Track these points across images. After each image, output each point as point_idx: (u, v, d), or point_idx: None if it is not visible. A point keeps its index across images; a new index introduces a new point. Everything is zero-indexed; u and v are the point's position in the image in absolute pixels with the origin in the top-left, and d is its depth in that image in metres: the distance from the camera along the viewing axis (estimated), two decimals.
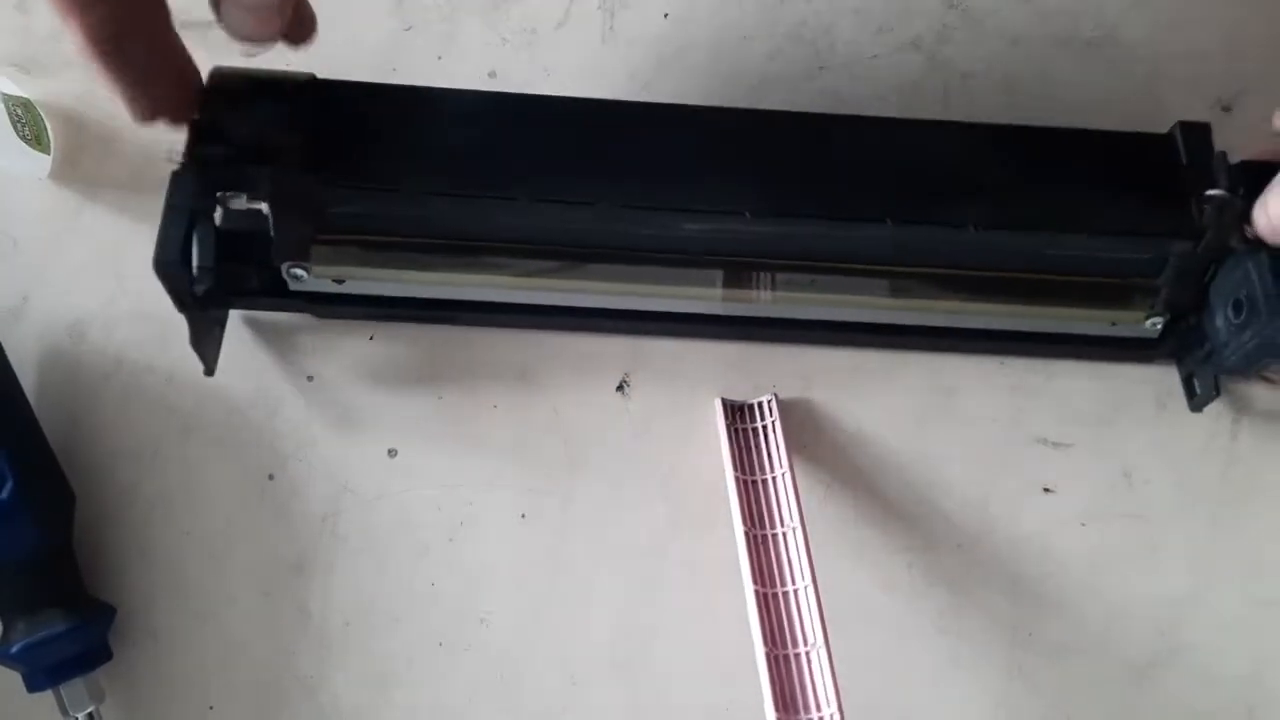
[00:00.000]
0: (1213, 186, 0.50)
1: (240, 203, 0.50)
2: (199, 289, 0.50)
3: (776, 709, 0.44)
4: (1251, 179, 0.50)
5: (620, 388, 0.56)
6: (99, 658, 0.50)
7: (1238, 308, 0.51)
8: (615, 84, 0.61)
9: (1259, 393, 0.57)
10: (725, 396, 0.55)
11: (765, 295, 0.54)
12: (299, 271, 0.53)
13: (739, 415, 0.55)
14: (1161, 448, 0.56)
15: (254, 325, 0.56)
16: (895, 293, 0.54)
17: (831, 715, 0.44)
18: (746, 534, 0.50)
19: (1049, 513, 0.55)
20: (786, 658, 0.46)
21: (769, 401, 0.55)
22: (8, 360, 0.52)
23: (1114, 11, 0.63)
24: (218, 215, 0.52)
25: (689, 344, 0.57)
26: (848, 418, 0.56)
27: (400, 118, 0.52)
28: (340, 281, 0.54)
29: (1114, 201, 0.52)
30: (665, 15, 0.63)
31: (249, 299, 0.55)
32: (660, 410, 0.56)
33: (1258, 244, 0.50)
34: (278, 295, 0.55)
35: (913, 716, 0.53)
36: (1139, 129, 0.53)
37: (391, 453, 0.55)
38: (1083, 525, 0.55)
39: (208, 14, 0.60)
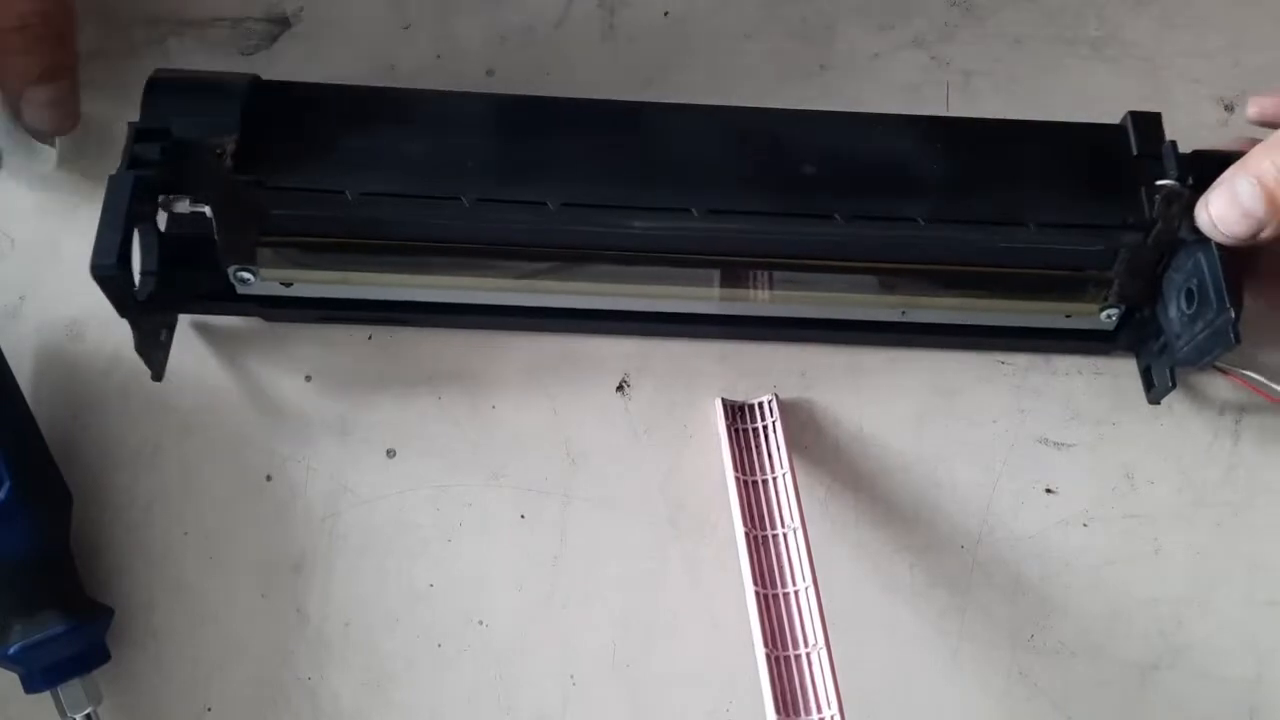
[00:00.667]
0: (1162, 177, 0.50)
1: (184, 206, 0.50)
2: (142, 294, 0.50)
3: (777, 710, 0.44)
4: (1203, 169, 0.49)
5: (620, 388, 0.56)
6: (97, 659, 0.50)
7: (1189, 298, 0.51)
8: (615, 83, 0.61)
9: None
10: (725, 397, 0.55)
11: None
12: (245, 275, 0.53)
13: (739, 415, 0.55)
14: (1164, 448, 0.56)
15: (251, 325, 0.56)
16: (849, 288, 0.55)
17: (832, 717, 0.44)
18: (747, 535, 0.50)
19: (1051, 513, 0.55)
20: (787, 659, 0.46)
21: (769, 402, 0.55)
22: (5, 360, 0.52)
23: (1117, 10, 0.63)
24: (163, 219, 0.51)
25: (689, 344, 0.57)
26: (849, 418, 0.56)
27: (347, 118, 0.51)
28: (288, 284, 0.54)
29: (1064, 193, 0.51)
30: (665, 14, 0.63)
31: (197, 303, 0.55)
32: (660, 410, 0.56)
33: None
34: (226, 299, 0.54)
35: (914, 718, 0.52)
36: None
37: (390, 453, 0.55)
38: (1085, 526, 0.55)
39: (207, 13, 0.60)
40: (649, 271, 0.54)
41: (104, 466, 0.54)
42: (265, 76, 0.52)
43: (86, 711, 0.49)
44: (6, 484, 0.48)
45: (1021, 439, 0.56)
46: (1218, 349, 0.50)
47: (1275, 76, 0.61)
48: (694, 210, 0.50)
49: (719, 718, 0.52)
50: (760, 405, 0.55)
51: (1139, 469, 0.56)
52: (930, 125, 0.53)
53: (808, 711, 0.44)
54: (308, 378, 0.56)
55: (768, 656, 0.46)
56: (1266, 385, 0.54)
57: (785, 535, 0.50)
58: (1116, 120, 0.54)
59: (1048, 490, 0.55)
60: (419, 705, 0.52)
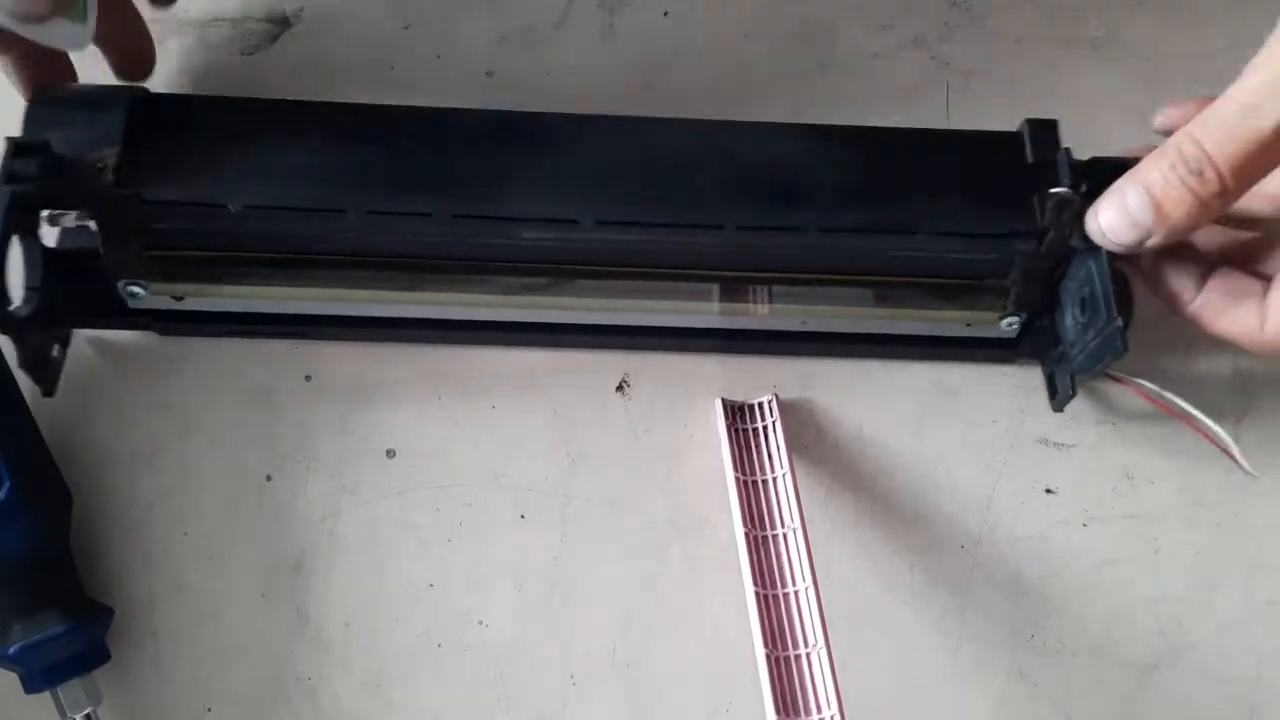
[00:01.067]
0: (1057, 184, 0.50)
1: (70, 220, 0.49)
2: (24, 310, 0.49)
3: (777, 711, 0.44)
4: (1098, 175, 0.49)
5: (620, 388, 0.56)
6: (97, 659, 0.50)
7: (1083, 306, 0.51)
8: (614, 82, 0.61)
9: (1263, 391, 0.57)
10: (726, 397, 0.55)
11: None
12: (135, 289, 0.52)
13: (739, 415, 0.55)
14: (1163, 448, 0.56)
15: None
16: (739, 297, 0.54)
17: (832, 717, 0.44)
18: (747, 535, 0.50)
19: (1051, 513, 0.55)
20: (787, 659, 0.46)
21: (769, 402, 0.55)
22: (5, 360, 0.52)
23: (1117, 10, 0.63)
24: (54, 235, 0.51)
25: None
26: (849, 418, 0.56)
27: (236, 131, 0.51)
28: (180, 299, 0.53)
29: (959, 201, 0.51)
30: (665, 14, 0.63)
31: (88, 318, 0.54)
32: (660, 410, 0.56)
33: None
34: (119, 314, 0.54)
35: (915, 718, 0.52)
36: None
37: (390, 453, 0.55)
38: (1085, 526, 0.55)
39: (207, 13, 0.60)
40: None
41: (104, 466, 0.54)
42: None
43: (86, 711, 0.49)
44: (6, 484, 0.48)
45: (1021, 439, 0.56)
46: (1108, 357, 0.49)
47: None
48: (581, 220, 0.49)
49: (719, 717, 0.52)
50: (760, 405, 0.55)
51: (1139, 469, 0.56)
52: (827, 135, 0.52)
53: (808, 712, 0.44)
54: (307, 377, 0.56)
55: (768, 657, 0.46)
56: (1159, 394, 0.54)
57: (785, 535, 0.50)
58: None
59: (1048, 490, 0.55)
60: (419, 705, 0.52)
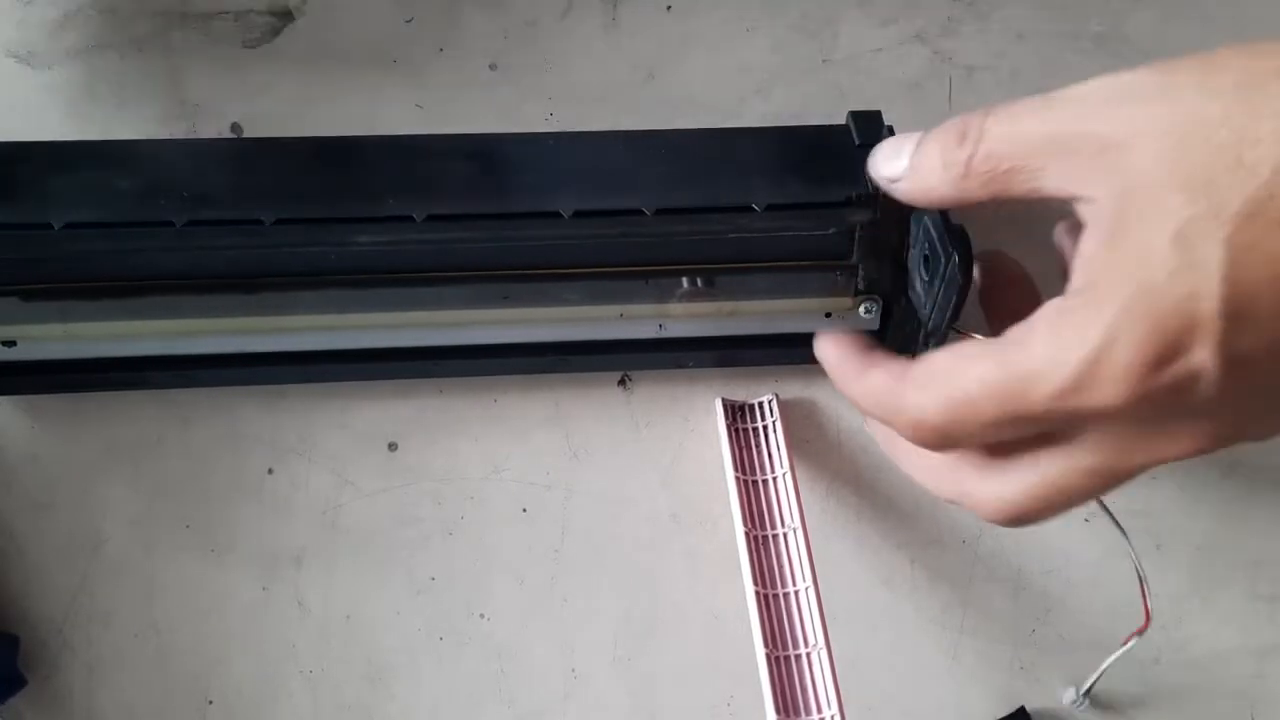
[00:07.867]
0: None
1: None
2: None
3: (777, 711, 0.44)
4: None
5: (622, 382, 0.56)
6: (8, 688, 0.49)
7: (926, 263, 0.50)
8: (617, 76, 0.60)
9: None
10: (726, 396, 0.55)
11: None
12: None
13: (739, 415, 0.55)
14: None
15: None
16: (583, 299, 0.53)
17: (833, 717, 0.44)
18: (747, 534, 0.50)
19: None
20: (787, 659, 0.46)
21: (770, 401, 0.55)
22: None
23: (1119, 4, 0.63)
24: None
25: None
26: (851, 413, 0.56)
27: (56, 168, 0.48)
28: (11, 344, 0.50)
29: (791, 183, 0.51)
30: (668, 7, 0.62)
31: None
32: (662, 404, 0.56)
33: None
34: None
35: (915, 714, 0.53)
36: None
37: (392, 446, 0.55)
38: (1086, 521, 0.55)
39: (210, 6, 0.60)
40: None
41: (105, 459, 0.54)
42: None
43: None
44: None
45: None
46: (954, 296, 0.48)
47: None
48: (415, 216, 0.48)
49: (720, 711, 0.52)
50: (760, 405, 0.55)
51: None
52: (651, 138, 0.52)
53: (808, 712, 0.45)
54: None
55: (768, 657, 0.46)
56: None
57: (785, 535, 0.50)
58: None
59: None
60: (420, 698, 0.52)
